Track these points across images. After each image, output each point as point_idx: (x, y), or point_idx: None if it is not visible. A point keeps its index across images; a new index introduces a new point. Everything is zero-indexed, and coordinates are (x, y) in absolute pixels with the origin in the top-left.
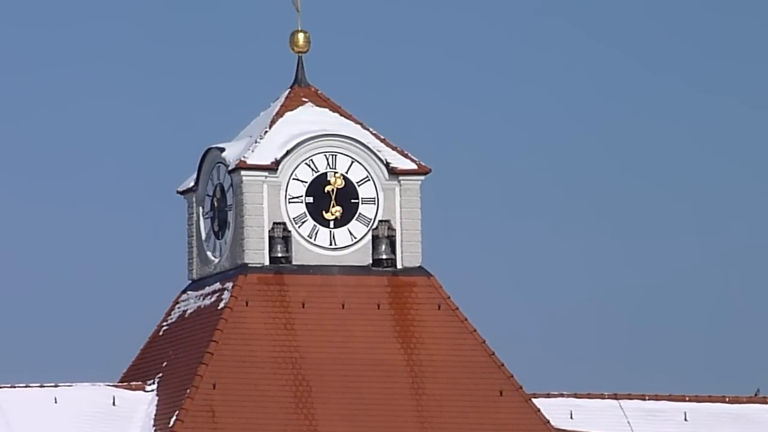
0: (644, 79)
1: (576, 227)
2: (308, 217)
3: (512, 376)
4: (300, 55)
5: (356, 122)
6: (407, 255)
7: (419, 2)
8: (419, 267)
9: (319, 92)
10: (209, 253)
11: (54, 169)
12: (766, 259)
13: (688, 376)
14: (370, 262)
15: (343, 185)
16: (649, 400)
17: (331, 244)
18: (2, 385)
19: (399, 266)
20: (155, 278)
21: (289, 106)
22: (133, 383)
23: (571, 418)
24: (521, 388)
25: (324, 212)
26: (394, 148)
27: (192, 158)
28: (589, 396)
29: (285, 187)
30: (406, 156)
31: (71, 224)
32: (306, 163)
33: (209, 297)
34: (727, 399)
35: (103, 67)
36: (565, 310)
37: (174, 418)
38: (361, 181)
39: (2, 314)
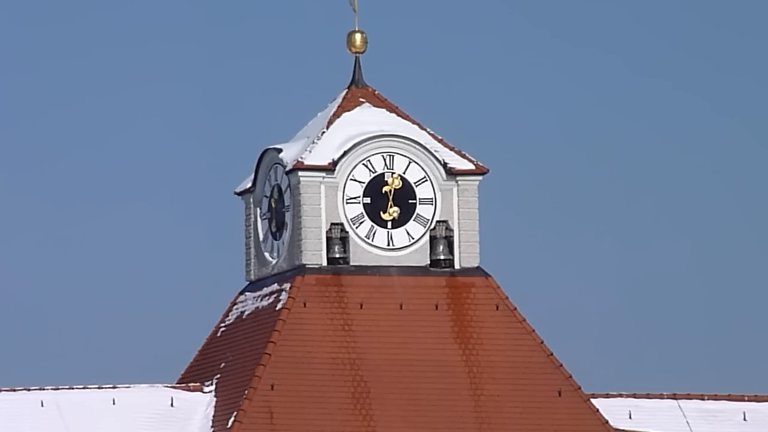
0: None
1: (633, 227)
2: (366, 217)
3: (571, 377)
4: (357, 55)
5: (414, 122)
6: (465, 255)
7: (476, 2)
8: (477, 267)
9: (376, 92)
10: (267, 254)
11: (110, 170)
12: None
13: (748, 376)
14: (428, 262)
15: (400, 186)
16: (708, 400)
17: (388, 245)
18: (60, 387)
19: (457, 267)
20: (213, 279)
21: (346, 106)
22: (191, 384)
23: (630, 418)
24: (580, 388)
25: (381, 213)
26: (451, 149)
27: (249, 159)
28: (648, 396)
29: (342, 188)
30: (463, 156)
31: (128, 225)
32: (363, 164)
33: (267, 298)
34: None
35: (161, 68)
36: (624, 310)
37: (232, 419)
38: (418, 181)
39: (61, 315)
